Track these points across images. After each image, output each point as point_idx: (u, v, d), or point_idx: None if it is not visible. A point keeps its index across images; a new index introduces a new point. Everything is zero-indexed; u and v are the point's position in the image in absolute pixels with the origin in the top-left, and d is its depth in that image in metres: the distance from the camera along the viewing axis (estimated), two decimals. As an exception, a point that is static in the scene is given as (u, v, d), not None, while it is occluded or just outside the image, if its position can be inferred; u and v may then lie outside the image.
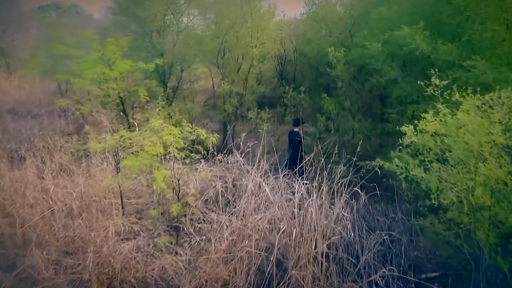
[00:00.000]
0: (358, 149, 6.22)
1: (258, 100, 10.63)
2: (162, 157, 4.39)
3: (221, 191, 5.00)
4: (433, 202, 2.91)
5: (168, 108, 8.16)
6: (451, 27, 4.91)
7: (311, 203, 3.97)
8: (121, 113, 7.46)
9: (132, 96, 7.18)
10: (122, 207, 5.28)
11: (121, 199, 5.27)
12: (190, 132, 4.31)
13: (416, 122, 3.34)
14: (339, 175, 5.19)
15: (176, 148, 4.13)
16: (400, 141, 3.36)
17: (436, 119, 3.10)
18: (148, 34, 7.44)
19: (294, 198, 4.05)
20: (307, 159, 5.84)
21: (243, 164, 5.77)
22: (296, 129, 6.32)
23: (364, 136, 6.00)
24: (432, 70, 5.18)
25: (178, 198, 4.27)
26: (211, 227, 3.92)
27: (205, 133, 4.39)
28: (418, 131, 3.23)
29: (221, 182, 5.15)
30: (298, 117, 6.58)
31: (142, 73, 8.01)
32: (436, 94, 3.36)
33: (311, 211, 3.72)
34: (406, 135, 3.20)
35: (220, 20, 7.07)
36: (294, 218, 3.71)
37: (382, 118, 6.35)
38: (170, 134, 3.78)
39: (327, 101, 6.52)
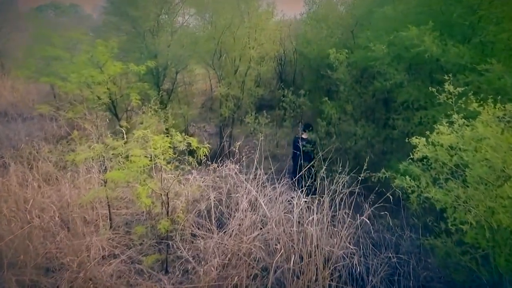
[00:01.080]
0: (361, 157, 5.94)
1: (257, 103, 10.32)
2: (153, 166, 4.06)
3: (215, 204, 4.68)
4: (449, 226, 2.57)
5: (162, 112, 7.85)
6: (461, 28, 4.57)
7: (311, 220, 3.64)
8: (114, 116, 7.15)
9: (125, 99, 6.86)
10: (110, 219, 4.96)
11: (109, 211, 4.95)
12: (180, 142, 3.98)
13: (427, 132, 3.00)
14: (341, 186, 4.87)
15: (164, 159, 3.80)
16: (411, 156, 3.02)
17: (451, 131, 2.76)
18: (141, 35, 7.11)
19: (294, 214, 3.72)
20: (306, 167, 5.52)
21: (238, 173, 5.44)
22: (304, 136, 5.99)
23: (367, 143, 5.67)
24: (441, 74, 4.90)
25: (168, 213, 3.94)
26: (202, 247, 3.59)
27: (196, 142, 4.06)
28: (431, 143, 2.89)
29: (216, 193, 4.83)
30: (307, 122, 6.26)
31: (136, 75, 7.71)
32: (450, 102, 3.02)
33: (311, 231, 3.38)
34: (417, 148, 2.86)
35: (216, 20, 6.73)
36: (293, 238, 3.38)
37: (386, 123, 6.01)
38: (157, 145, 3.43)
39: (328, 105, 6.18)
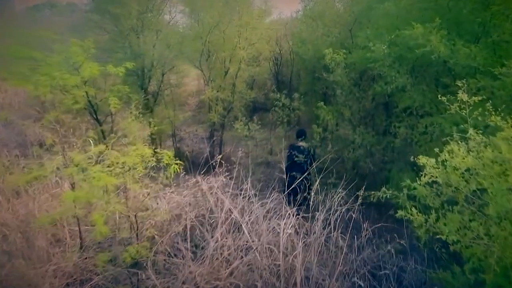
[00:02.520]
0: (360, 167, 5.45)
1: (251, 105, 9.82)
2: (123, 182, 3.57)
3: (194, 224, 4.19)
4: (467, 275, 2.08)
5: (146, 117, 7.36)
6: (471, 26, 4.08)
7: (301, 246, 3.15)
8: (95, 121, 6.68)
9: (107, 103, 6.37)
10: (81, 238, 4.47)
11: (79, 229, 4.46)
12: (153, 155, 3.49)
13: (436, 150, 2.50)
14: (337, 202, 4.38)
15: (133, 176, 3.32)
16: (414, 166, 2.53)
17: (466, 149, 2.26)
18: (123, 34, 6.61)
19: (280, 240, 3.23)
20: (298, 179, 5.03)
21: (223, 187, 4.95)
22: (300, 144, 5.47)
23: (366, 151, 5.18)
24: (448, 77, 4.41)
25: (137, 237, 3.45)
26: (174, 279, 3.11)
27: (169, 157, 3.56)
28: (441, 164, 2.40)
29: (196, 211, 4.34)
30: (302, 128, 5.77)
31: (120, 77, 7.23)
32: (464, 113, 2.53)
33: (299, 261, 2.89)
34: (426, 171, 2.36)
35: (204, 17, 6.24)
36: (279, 271, 2.89)
37: (386, 130, 5.52)
38: (120, 160, 2.94)
39: (324, 109, 5.68)
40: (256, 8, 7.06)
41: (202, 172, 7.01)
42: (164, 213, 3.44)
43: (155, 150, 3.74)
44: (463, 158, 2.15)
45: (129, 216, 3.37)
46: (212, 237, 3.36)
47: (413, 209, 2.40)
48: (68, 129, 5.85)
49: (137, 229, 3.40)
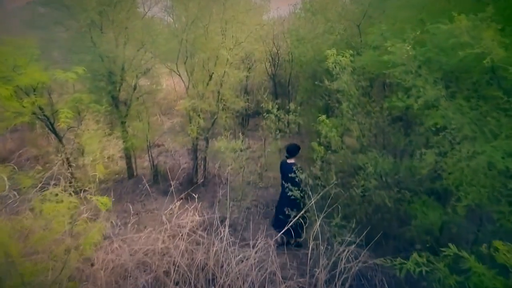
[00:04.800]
0: (372, 203, 4.32)
1: (243, 113, 8.69)
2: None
3: (160, 278, 3.09)
4: None
5: (118, 128, 6.26)
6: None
7: None
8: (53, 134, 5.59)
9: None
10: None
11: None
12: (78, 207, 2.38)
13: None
14: (344, 257, 3.27)
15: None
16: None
17: None
18: (84, 30, 5.50)
19: None
20: (294, 220, 3.91)
21: (198, 227, 3.84)
22: (290, 161, 4.44)
23: (381, 181, 4.05)
24: (493, 90, 3.29)
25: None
26: None
27: (106, 205, 2.46)
28: None
29: (157, 267, 3.22)
30: (293, 143, 4.67)
31: (84, 83, 6.13)
32: None
33: None
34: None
35: (180, 12, 5.12)
36: None
37: (403, 153, 4.40)
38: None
39: (325, 125, 4.56)
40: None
41: (180, 196, 5.92)
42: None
43: (89, 196, 2.63)
44: None
45: None
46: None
47: None
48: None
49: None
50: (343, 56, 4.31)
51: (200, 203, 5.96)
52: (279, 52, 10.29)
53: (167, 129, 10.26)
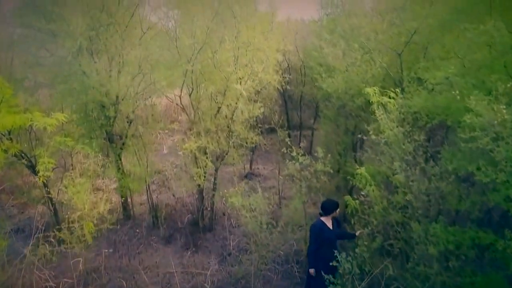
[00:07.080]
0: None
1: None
2: None
3: None
4: None
5: (110, 169, 5.40)
6: None
7: None
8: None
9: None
10: None
11: None
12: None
13: None
14: None
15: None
16: None
17: None
18: (74, 58, 4.64)
19: None
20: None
21: None
22: (323, 219, 3.64)
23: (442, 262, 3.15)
24: None
25: None
26: None
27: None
28: None
29: None
30: (330, 199, 3.89)
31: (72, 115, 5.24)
32: None
33: None
34: None
35: (183, 36, 4.25)
36: None
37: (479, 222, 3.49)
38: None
39: (365, 178, 3.70)
40: (260, 18, 5.02)
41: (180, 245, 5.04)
42: None
43: None
44: None
45: None
46: None
47: None
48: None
49: None
50: (390, 98, 3.44)
51: (208, 258, 5.09)
52: (290, 66, 9.35)
53: (167, 150, 9.39)
